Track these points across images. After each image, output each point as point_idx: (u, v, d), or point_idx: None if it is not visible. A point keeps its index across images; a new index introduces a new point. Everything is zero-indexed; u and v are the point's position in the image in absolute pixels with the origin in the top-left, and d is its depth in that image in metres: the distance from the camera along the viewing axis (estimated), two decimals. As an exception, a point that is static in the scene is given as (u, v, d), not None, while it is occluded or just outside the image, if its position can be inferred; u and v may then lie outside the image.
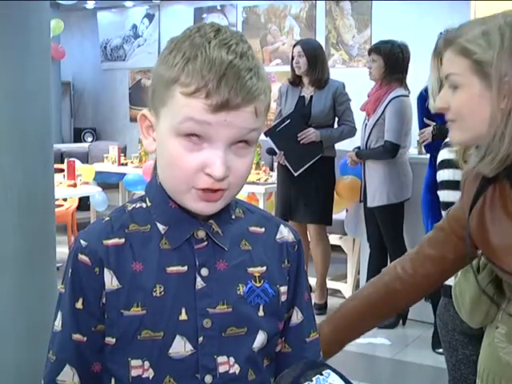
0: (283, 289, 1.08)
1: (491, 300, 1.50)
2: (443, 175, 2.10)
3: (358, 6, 7.43)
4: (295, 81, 4.49)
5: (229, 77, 0.92)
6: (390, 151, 4.06)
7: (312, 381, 0.93)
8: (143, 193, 1.08)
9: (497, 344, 1.47)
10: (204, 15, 8.67)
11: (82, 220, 6.50)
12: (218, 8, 8.56)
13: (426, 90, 3.60)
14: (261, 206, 4.97)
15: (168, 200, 1.02)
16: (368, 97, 4.26)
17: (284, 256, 1.09)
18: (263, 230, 1.09)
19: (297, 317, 1.11)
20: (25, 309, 2.27)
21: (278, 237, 1.10)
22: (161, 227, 1.02)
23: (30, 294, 2.26)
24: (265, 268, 1.06)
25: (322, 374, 0.95)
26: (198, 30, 0.96)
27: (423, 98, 3.61)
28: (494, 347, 1.48)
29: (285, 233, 1.11)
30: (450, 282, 1.81)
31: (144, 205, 1.05)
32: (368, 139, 4.19)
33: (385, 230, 4.21)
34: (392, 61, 4.11)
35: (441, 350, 2.40)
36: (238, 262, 1.04)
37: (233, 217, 1.06)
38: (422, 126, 3.71)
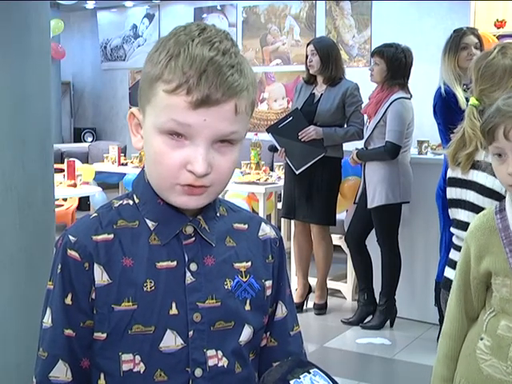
0: (268, 283, 1.11)
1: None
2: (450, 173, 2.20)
3: (357, 5, 7.44)
4: (310, 80, 4.49)
5: (209, 73, 0.93)
6: (391, 152, 4.02)
7: (300, 378, 0.95)
8: None
9: (478, 356, 1.53)
10: (204, 15, 8.67)
11: (82, 220, 6.48)
12: (218, 8, 8.56)
13: (445, 90, 3.49)
14: (261, 206, 4.97)
15: (156, 197, 1.04)
16: (369, 99, 4.24)
17: (268, 252, 1.12)
18: (246, 226, 1.12)
19: (281, 311, 1.14)
20: (25, 308, 2.27)
21: (260, 234, 1.13)
22: (150, 223, 1.04)
23: (30, 293, 2.26)
24: (250, 263, 1.09)
25: (309, 373, 0.96)
26: (184, 29, 0.98)
27: (446, 97, 3.45)
28: (474, 358, 1.54)
29: (267, 230, 1.14)
30: (451, 275, 1.82)
31: (131, 202, 1.07)
32: (368, 142, 4.17)
33: (379, 229, 4.18)
34: (395, 65, 4.06)
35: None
36: (224, 257, 1.06)
37: (217, 214, 1.09)
38: (446, 126, 3.32)
